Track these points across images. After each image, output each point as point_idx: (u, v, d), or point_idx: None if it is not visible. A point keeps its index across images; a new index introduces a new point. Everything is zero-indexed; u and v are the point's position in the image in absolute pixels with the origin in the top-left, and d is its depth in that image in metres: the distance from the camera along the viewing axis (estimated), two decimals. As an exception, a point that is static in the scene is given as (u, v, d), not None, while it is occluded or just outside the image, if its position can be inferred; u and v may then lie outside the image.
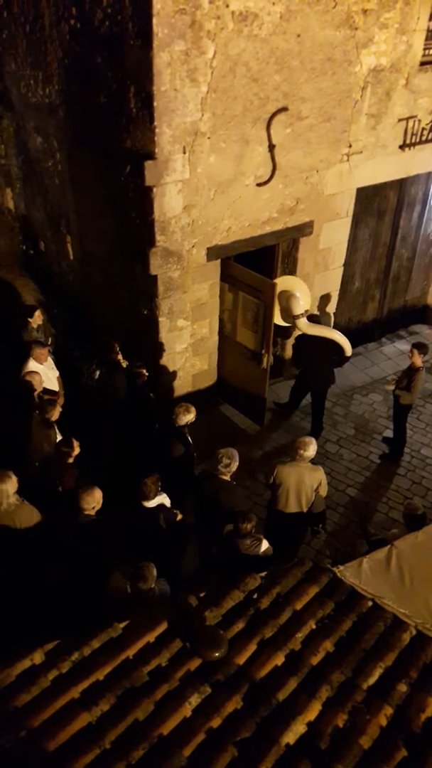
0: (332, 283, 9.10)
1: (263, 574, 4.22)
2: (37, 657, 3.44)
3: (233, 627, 3.78)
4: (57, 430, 6.34)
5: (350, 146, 7.93)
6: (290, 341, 9.16)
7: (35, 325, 7.76)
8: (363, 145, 8.04)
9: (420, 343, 7.66)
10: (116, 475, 5.91)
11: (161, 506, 5.44)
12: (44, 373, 6.93)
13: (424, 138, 8.57)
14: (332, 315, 9.41)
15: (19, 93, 9.02)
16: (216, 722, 3.20)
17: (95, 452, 6.22)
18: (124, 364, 7.10)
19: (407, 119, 8.26)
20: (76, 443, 5.77)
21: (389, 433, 8.42)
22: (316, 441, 6.03)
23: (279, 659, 3.60)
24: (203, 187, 6.91)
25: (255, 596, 4.03)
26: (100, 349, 7.01)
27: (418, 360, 7.48)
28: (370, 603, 4.09)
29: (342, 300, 9.49)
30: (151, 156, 6.40)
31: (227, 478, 5.69)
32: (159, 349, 7.71)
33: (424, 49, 7.88)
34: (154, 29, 5.75)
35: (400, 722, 3.33)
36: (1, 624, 4.59)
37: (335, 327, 9.61)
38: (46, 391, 6.80)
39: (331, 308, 9.32)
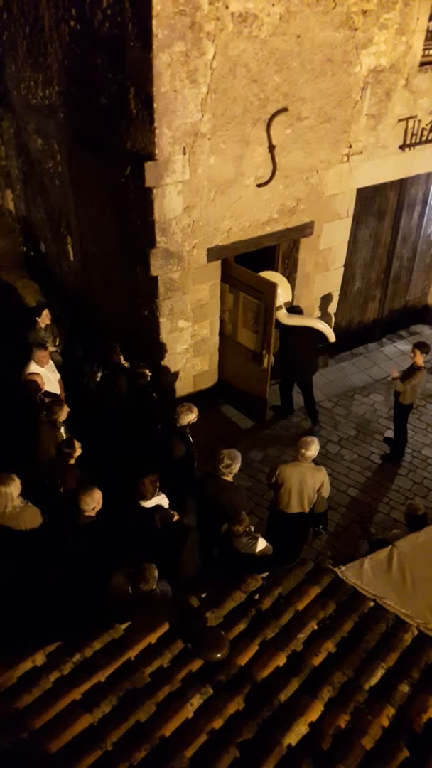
0: (333, 283, 9.10)
1: (265, 574, 4.22)
2: (39, 658, 3.44)
3: (235, 628, 3.78)
4: (64, 432, 6.34)
5: (350, 147, 7.94)
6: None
7: (43, 325, 7.77)
8: (363, 145, 8.04)
9: (421, 342, 7.67)
10: (118, 475, 5.91)
11: (158, 507, 5.44)
12: (45, 375, 6.92)
13: (424, 138, 8.57)
14: (333, 315, 9.41)
15: (19, 94, 9.03)
16: (218, 723, 3.20)
17: (97, 453, 6.23)
18: (126, 365, 7.10)
19: (407, 120, 8.26)
20: (77, 444, 5.77)
21: (390, 434, 8.41)
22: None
23: (281, 660, 3.60)
24: (203, 188, 6.91)
25: (256, 597, 4.03)
26: (102, 350, 7.01)
27: (420, 359, 7.49)
28: (371, 603, 4.08)
29: (343, 300, 9.49)
30: (151, 157, 6.41)
31: (229, 479, 5.69)
32: (160, 349, 7.72)
33: (424, 50, 7.89)
34: (153, 30, 5.76)
35: (402, 723, 3.32)
36: (3, 625, 4.59)
37: (336, 328, 9.64)
38: (46, 393, 6.80)
39: (332, 309, 9.32)
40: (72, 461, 5.73)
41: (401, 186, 9.19)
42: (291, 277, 8.70)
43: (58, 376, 7.33)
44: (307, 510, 6.05)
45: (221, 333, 8.35)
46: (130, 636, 3.64)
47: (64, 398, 7.07)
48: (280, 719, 3.25)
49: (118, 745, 3.05)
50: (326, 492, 6.07)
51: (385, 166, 8.50)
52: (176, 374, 8.07)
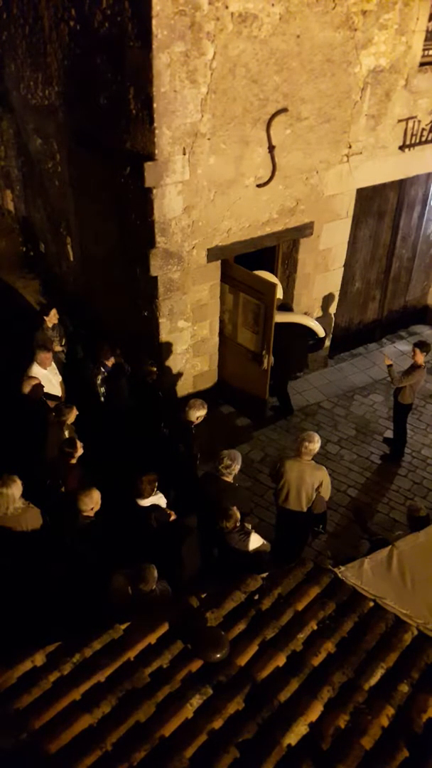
0: (333, 283, 9.10)
1: (264, 575, 4.22)
2: (39, 659, 3.44)
3: (234, 628, 3.77)
4: (72, 434, 6.34)
5: (350, 147, 7.94)
6: (311, 353, 9.15)
7: (50, 324, 7.79)
8: (363, 145, 8.04)
9: (422, 341, 7.68)
10: (120, 476, 5.92)
11: (155, 506, 5.45)
12: (47, 377, 6.96)
13: (423, 139, 8.58)
14: (333, 316, 9.41)
15: (18, 94, 9.03)
16: (218, 723, 3.20)
17: (100, 453, 6.24)
18: (127, 367, 7.12)
19: (407, 120, 8.26)
20: (79, 444, 5.78)
21: (390, 434, 8.42)
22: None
23: (280, 660, 3.60)
24: (203, 189, 6.91)
25: (256, 597, 4.03)
26: (102, 352, 7.01)
27: (420, 358, 7.49)
28: (371, 604, 4.08)
29: (342, 300, 9.49)
30: (151, 157, 6.41)
31: (229, 479, 5.70)
32: (159, 350, 7.71)
33: (424, 50, 7.89)
34: (153, 30, 5.76)
35: (402, 723, 3.32)
36: (3, 626, 4.59)
37: (335, 328, 9.65)
38: (47, 396, 6.82)
39: (332, 309, 9.32)
40: (73, 461, 5.74)
41: (401, 186, 9.19)
42: (291, 278, 8.71)
43: (59, 378, 7.34)
44: (305, 508, 6.04)
45: (221, 333, 8.35)
46: (129, 636, 3.64)
47: (65, 400, 7.09)
48: (280, 719, 3.25)
49: (118, 745, 3.05)
50: (326, 493, 6.06)
51: (385, 167, 8.50)
52: (176, 375, 8.06)
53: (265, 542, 5.22)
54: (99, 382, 6.95)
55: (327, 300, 9.16)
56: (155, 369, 7.00)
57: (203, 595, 4.01)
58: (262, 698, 3.36)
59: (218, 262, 7.62)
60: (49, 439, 6.11)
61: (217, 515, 5.14)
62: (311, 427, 8.46)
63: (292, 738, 3.17)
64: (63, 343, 7.94)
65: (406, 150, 8.51)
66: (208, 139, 6.65)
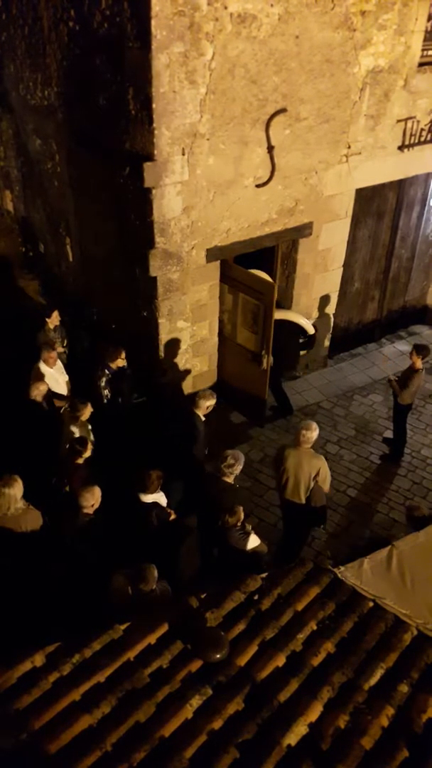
0: (332, 283, 9.11)
1: (264, 575, 4.22)
2: (38, 659, 3.44)
3: (234, 628, 3.78)
4: (89, 431, 6.40)
5: (349, 147, 7.94)
6: (303, 351, 9.16)
7: (52, 326, 7.82)
8: (362, 146, 8.05)
9: (420, 345, 7.68)
10: (122, 476, 5.96)
11: (156, 504, 5.47)
12: (53, 376, 6.99)
13: (422, 139, 8.58)
14: (332, 316, 9.42)
15: (18, 95, 9.03)
16: (217, 724, 3.20)
17: (102, 454, 6.27)
18: (128, 370, 7.17)
19: (406, 120, 8.26)
20: (89, 446, 5.81)
21: (389, 434, 8.42)
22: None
23: (280, 660, 3.60)
24: (202, 189, 6.92)
25: (256, 597, 4.03)
26: (107, 353, 7.04)
27: (418, 362, 7.50)
28: (371, 604, 4.08)
29: (342, 301, 9.50)
30: (150, 157, 6.41)
31: (230, 480, 5.70)
32: (159, 350, 7.71)
33: (423, 50, 7.89)
34: (152, 31, 5.76)
35: (402, 723, 3.32)
36: (3, 626, 4.59)
37: (335, 328, 9.65)
38: (54, 395, 6.83)
39: (331, 309, 9.32)
40: (80, 461, 5.75)
41: (400, 186, 9.19)
42: (290, 278, 8.71)
43: (66, 377, 7.36)
44: (303, 498, 6.07)
45: (220, 333, 8.35)
46: (129, 637, 3.64)
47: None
48: (280, 720, 3.25)
49: (118, 745, 3.05)
50: (326, 484, 6.08)
51: (384, 167, 8.51)
52: (176, 375, 8.06)
53: (262, 543, 5.23)
54: (103, 384, 6.97)
55: (326, 300, 9.16)
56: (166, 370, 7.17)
57: (203, 596, 4.01)
58: (261, 698, 3.36)
59: (217, 263, 7.63)
60: (64, 435, 6.14)
61: (221, 511, 5.15)
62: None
63: (292, 738, 3.17)
64: (65, 344, 7.96)
65: (405, 150, 8.51)
66: (208, 139, 6.65)
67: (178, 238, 7.04)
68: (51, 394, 6.79)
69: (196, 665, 3.51)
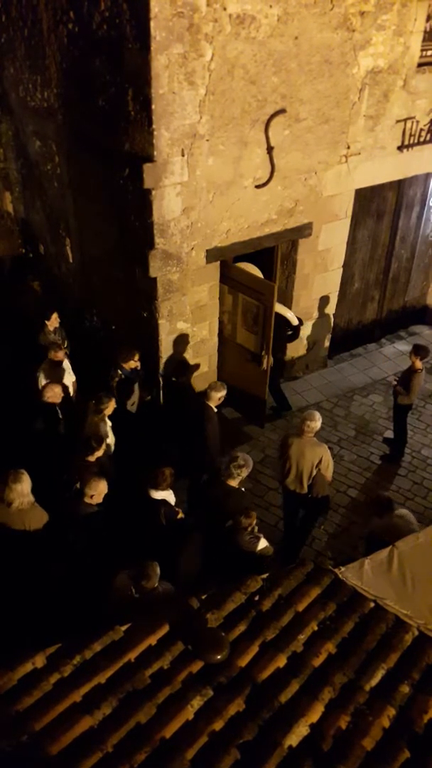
0: (332, 284, 9.11)
1: (265, 576, 4.22)
2: (39, 660, 3.44)
3: (235, 629, 3.77)
4: (110, 428, 6.45)
5: (348, 148, 7.94)
6: (290, 343, 9.18)
7: (52, 328, 7.84)
8: (361, 146, 8.05)
9: (419, 345, 7.70)
10: (131, 475, 6.03)
11: (165, 501, 5.50)
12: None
13: (422, 139, 8.58)
14: (332, 316, 9.42)
15: (17, 97, 9.03)
16: (218, 725, 3.20)
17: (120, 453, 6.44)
18: (142, 372, 7.25)
19: (405, 120, 8.27)
20: (104, 445, 5.85)
21: (390, 434, 8.42)
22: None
23: (281, 661, 3.60)
24: (202, 190, 6.92)
25: (256, 598, 4.02)
26: (123, 355, 7.07)
27: (418, 362, 7.51)
28: (371, 604, 4.08)
29: (342, 301, 9.50)
30: (149, 159, 6.41)
31: (235, 484, 5.67)
32: (159, 351, 7.71)
33: (422, 51, 7.90)
34: (152, 32, 5.76)
35: (403, 723, 3.32)
36: (3, 627, 4.59)
37: (335, 328, 9.66)
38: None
39: (331, 309, 9.33)
40: (92, 459, 5.78)
41: (399, 187, 9.20)
42: (290, 278, 8.72)
43: (73, 378, 7.38)
44: (305, 487, 6.12)
45: (220, 334, 8.35)
46: (130, 638, 3.64)
47: (77, 400, 7.17)
48: (281, 720, 3.25)
49: (119, 747, 3.04)
50: (328, 472, 6.16)
51: (384, 167, 8.51)
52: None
53: (268, 545, 5.24)
54: (115, 384, 7.00)
55: (326, 300, 9.16)
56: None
57: (203, 596, 4.01)
58: (262, 699, 3.36)
59: (217, 263, 7.63)
60: (86, 429, 6.18)
61: (235, 513, 5.16)
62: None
63: (293, 739, 3.17)
64: (65, 346, 7.97)
65: (405, 150, 8.52)
66: (207, 140, 6.65)
67: (178, 239, 7.04)
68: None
69: (196, 666, 3.51)
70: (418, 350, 7.52)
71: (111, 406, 6.32)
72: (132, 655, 3.53)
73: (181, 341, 7.84)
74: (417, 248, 10.13)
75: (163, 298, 7.32)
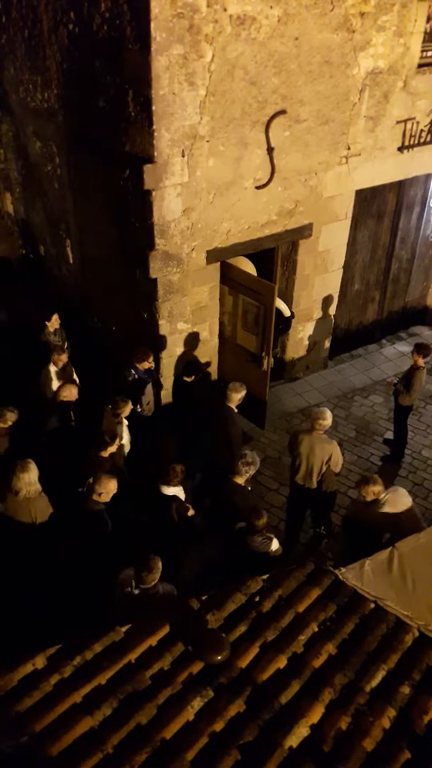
0: (332, 285, 9.11)
1: (265, 576, 4.22)
2: (39, 661, 3.44)
3: (235, 630, 3.77)
4: (126, 427, 6.55)
5: (349, 148, 7.94)
6: (290, 343, 9.19)
7: (52, 329, 7.85)
8: (361, 147, 8.05)
9: (421, 344, 7.70)
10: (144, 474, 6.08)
11: (176, 497, 5.57)
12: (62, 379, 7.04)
13: (422, 140, 8.58)
14: (332, 317, 9.42)
15: (18, 97, 9.04)
16: (219, 726, 3.20)
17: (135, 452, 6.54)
18: (155, 374, 7.33)
19: (405, 121, 8.27)
20: (117, 440, 5.91)
21: (390, 435, 8.41)
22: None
23: (281, 662, 3.59)
24: (202, 190, 6.92)
25: (257, 599, 4.02)
26: (138, 355, 7.12)
27: (420, 360, 7.51)
28: (372, 605, 4.08)
29: (342, 302, 9.50)
30: (150, 159, 6.41)
31: (242, 481, 5.74)
32: (159, 352, 7.71)
33: (422, 52, 7.90)
34: (152, 33, 5.77)
35: (404, 724, 3.32)
36: (4, 627, 4.59)
37: (335, 329, 9.65)
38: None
39: (331, 310, 9.33)
40: (105, 454, 5.83)
41: (400, 187, 9.20)
42: (290, 279, 8.72)
43: (76, 380, 7.38)
44: (315, 483, 6.22)
45: (221, 335, 8.35)
46: (130, 639, 3.64)
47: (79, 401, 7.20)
48: (281, 721, 3.25)
49: (119, 748, 3.04)
50: (337, 467, 6.28)
51: (384, 168, 8.51)
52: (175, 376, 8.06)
53: (279, 546, 5.30)
54: (128, 383, 7.03)
55: (326, 301, 9.16)
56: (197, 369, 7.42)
57: (204, 597, 4.01)
58: (263, 700, 3.36)
59: (218, 264, 7.63)
60: (103, 430, 6.22)
61: (248, 513, 5.16)
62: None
63: (294, 740, 3.17)
64: (66, 347, 7.98)
65: (405, 151, 8.52)
66: (207, 141, 6.66)
67: (178, 240, 7.04)
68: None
69: (197, 667, 3.51)
70: (420, 348, 7.54)
71: (127, 410, 6.45)
72: (132, 656, 3.53)
73: (192, 340, 7.91)
74: (417, 249, 10.13)
75: (163, 299, 7.32)
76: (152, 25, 5.73)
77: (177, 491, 5.60)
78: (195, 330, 7.91)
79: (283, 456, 8.02)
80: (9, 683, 3.30)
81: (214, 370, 8.57)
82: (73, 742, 3.04)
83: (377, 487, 5.46)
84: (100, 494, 5.16)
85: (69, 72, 7.45)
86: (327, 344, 9.67)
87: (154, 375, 7.30)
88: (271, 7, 6.34)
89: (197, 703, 3.30)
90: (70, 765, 2.94)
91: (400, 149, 8.46)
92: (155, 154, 6.37)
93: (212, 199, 7.05)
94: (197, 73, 6.24)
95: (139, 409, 7.10)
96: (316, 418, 6.20)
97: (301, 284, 8.74)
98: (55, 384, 6.99)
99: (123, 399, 6.46)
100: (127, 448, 6.57)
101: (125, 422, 6.52)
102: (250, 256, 8.01)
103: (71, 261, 9.21)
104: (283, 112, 7.03)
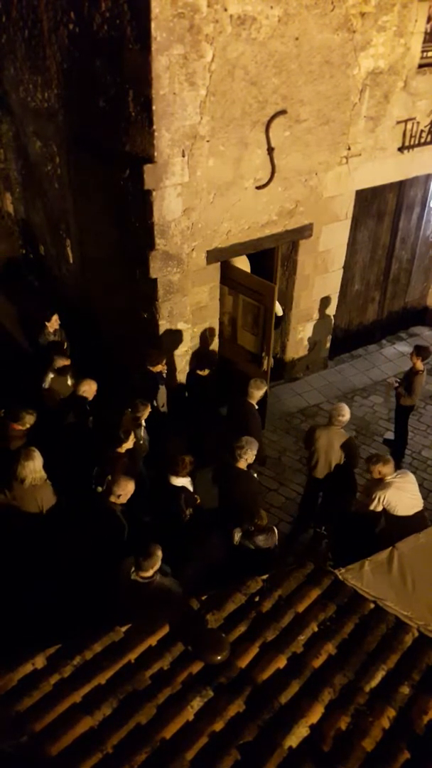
0: (332, 285, 9.11)
1: (265, 576, 4.22)
2: (39, 661, 3.44)
3: (235, 630, 3.77)
4: (144, 429, 6.58)
5: (349, 149, 7.94)
6: (290, 343, 9.19)
7: (52, 330, 7.85)
8: (362, 147, 8.05)
9: (420, 346, 7.69)
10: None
11: (185, 488, 5.63)
12: (64, 382, 7.04)
13: (422, 140, 8.58)
14: (332, 317, 9.42)
15: (18, 97, 9.04)
16: (218, 726, 3.20)
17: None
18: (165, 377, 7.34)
19: (406, 121, 8.27)
20: (132, 437, 5.94)
21: (390, 435, 8.41)
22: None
23: (281, 662, 3.59)
24: (203, 191, 6.92)
25: (257, 599, 4.02)
26: (151, 358, 7.13)
27: (419, 363, 7.50)
28: (372, 605, 4.08)
29: (342, 302, 9.50)
30: (150, 159, 6.41)
31: (243, 466, 5.81)
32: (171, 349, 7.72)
33: (422, 52, 7.90)
34: (152, 33, 5.77)
35: (403, 725, 3.32)
36: (4, 627, 4.60)
37: (335, 329, 9.65)
38: (64, 400, 6.90)
39: (331, 310, 9.33)
40: (121, 450, 5.87)
41: (400, 188, 9.20)
42: (290, 279, 8.72)
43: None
44: (332, 477, 6.31)
45: (220, 335, 8.35)
46: (130, 638, 3.64)
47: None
48: (281, 721, 3.25)
49: (119, 747, 3.04)
50: (355, 462, 6.35)
51: (384, 168, 8.51)
52: (176, 376, 8.06)
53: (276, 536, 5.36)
54: (141, 383, 7.08)
55: (326, 301, 9.16)
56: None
57: (203, 597, 4.01)
58: (262, 700, 3.36)
59: (218, 264, 7.63)
60: (121, 434, 6.25)
61: (246, 515, 5.18)
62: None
63: (293, 740, 3.17)
64: (65, 347, 7.99)
65: (405, 152, 8.51)
66: (208, 141, 6.66)
67: (179, 240, 7.04)
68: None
69: (196, 667, 3.51)
70: (419, 351, 7.52)
71: (146, 413, 6.49)
72: (132, 656, 3.53)
73: (208, 335, 7.96)
74: (417, 249, 10.13)
75: (163, 299, 7.32)
76: (153, 24, 5.73)
77: (185, 482, 5.68)
78: (194, 330, 7.91)
79: (283, 456, 8.02)
80: (9, 683, 3.30)
81: (213, 371, 8.56)
82: (72, 742, 3.05)
83: (387, 468, 5.66)
84: (119, 496, 5.17)
85: (69, 72, 7.45)
86: (327, 344, 9.67)
87: (164, 378, 7.32)
88: (272, 7, 6.34)
89: (197, 703, 3.30)
90: (70, 765, 2.94)
91: (401, 149, 8.46)
92: (155, 154, 6.37)
93: (212, 199, 7.05)
94: (197, 73, 6.23)
95: (161, 405, 7.21)
96: (337, 414, 6.29)
97: (301, 284, 8.74)
98: (52, 385, 7.00)
99: (143, 402, 6.49)
100: (145, 449, 6.61)
101: (144, 424, 6.56)
102: (250, 256, 8.00)
103: (71, 261, 9.21)
104: (283, 112, 7.03)
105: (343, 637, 3.81)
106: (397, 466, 8.06)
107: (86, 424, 6.63)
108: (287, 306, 8.86)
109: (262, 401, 8.31)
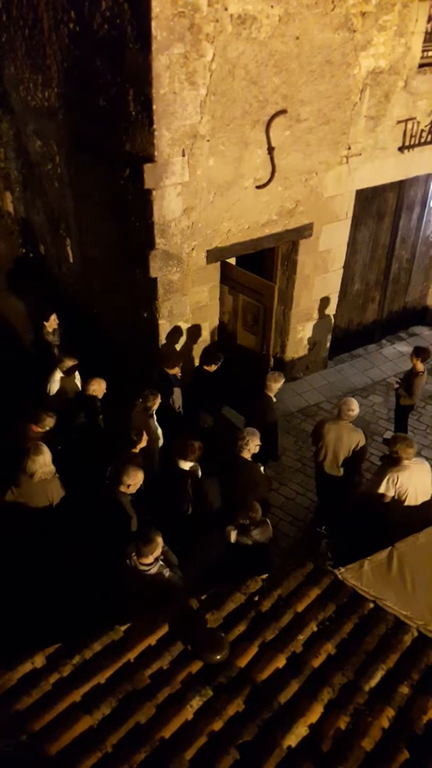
0: (332, 285, 9.11)
1: (264, 576, 4.22)
2: (39, 660, 3.44)
3: (234, 629, 3.77)
4: (156, 421, 6.62)
5: (349, 148, 7.94)
6: (290, 342, 9.19)
7: (50, 329, 7.84)
8: (362, 147, 8.05)
9: (420, 347, 7.68)
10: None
11: (192, 473, 5.70)
12: (72, 382, 7.06)
13: (423, 140, 8.58)
14: (332, 317, 9.42)
15: (18, 96, 9.04)
16: (218, 725, 3.19)
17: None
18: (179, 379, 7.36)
19: (406, 121, 8.27)
20: (145, 437, 5.97)
21: (390, 435, 8.39)
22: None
23: (280, 662, 3.59)
24: (203, 190, 6.92)
25: (256, 599, 4.02)
26: (170, 361, 7.19)
27: (419, 364, 7.50)
28: (371, 605, 4.08)
29: (342, 302, 9.50)
30: (150, 159, 6.41)
31: (247, 456, 5.86)
32: (159, 351, 7.71)
33: (423, 51, 7.90)
34: (153, 32, 5.77)
35: (403, 724, 3.32)
36: (4, 627, 4.60)
37: (335, 329, 9.65)
38: (69, 401, 6.90)
39: (331, 310, 9.33)
40: (136, 450, 5.91)
41: (400, 187, 9.20)
42: (290, 279, 8.72)
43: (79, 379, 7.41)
44: (341, 471, 6.36)
45: (220, 335, 8.34)
46: (129, 638, 3.64)
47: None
48: (280, 721, 3.25)
49: (118, 747, 3.04)
50: (362, 457, 6.39)
51: (384, 168, 8.51)
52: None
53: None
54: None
55: (326, 301, 9.16)
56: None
57: (203, 597, 4.01)
58: (262, 700, 3.36)
59: (218, 264, 7.63)
60: (134, 424, 6.31)
61: (242, 509, 5.19)
62: (311, 429, 8.44)
63: (293, 739, 3.17)
64: (56, 348, 7.98)
65: (406, 151, 8.51)
66: (208, 140, 6.65)
67: (179, 239, 7.04)
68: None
69: (196, 666, 3.51)
70: (419, 352, 7.51)
71: (157, 403, 6.53)
72: (131, 656, 3.53)
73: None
74: (417, 249, 10.13)
75: (163, 298, 7.32)
76: (153, 24, 5.73)
77: (194, 468, 5.74)
78: (194, 329, 7.92)
79: (282, 456, 8.01)
80: (8, 682, 3.30)
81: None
82: (72, 741, 3.04)
83: (409, 451, 5.65)
84: (128, 486, 5.23)
85: (69, 71, 7.45)
86: (327, 344, 9.67)
87: (179, 380, 7.34)
88: (272, 6, 6.33)
89: (196, 703, 3.30)
90: (69, 764, 2.93)
91: (401, 149, 8.46)
92: (155, 153, 6.37)
93: (212, 199, 7.05)
94: (198, 73, 6.23)
95: (178, 407, 7.26)
96: (347, 409, 6.31)
97: (301, 284, 8.74)
98: (56, 388, 7.01)
99: (153, 392, 6.52)
100: (160, 442, 6.67)
101: (155, 416, 6.61)
102: (249, 256, 8.00)
103: (71, 260, 9.21)
104: (283, 111, 7.03)
105: (342, 637, 3.81)
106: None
107: (98, 422, 6.66)
108: (287, 306, 8.86)
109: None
